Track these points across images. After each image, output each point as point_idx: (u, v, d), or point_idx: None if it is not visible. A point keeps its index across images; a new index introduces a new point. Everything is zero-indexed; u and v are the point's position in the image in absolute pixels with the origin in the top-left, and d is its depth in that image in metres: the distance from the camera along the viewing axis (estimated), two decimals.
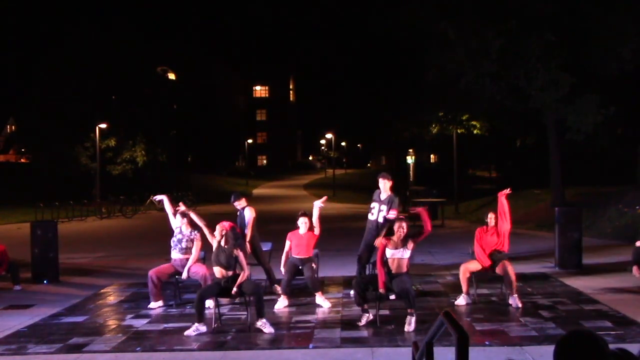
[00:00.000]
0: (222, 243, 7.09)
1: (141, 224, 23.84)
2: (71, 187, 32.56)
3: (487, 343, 6.13)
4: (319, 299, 8.05)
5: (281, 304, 8.00)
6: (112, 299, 9.10)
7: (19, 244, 13.35)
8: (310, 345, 6.27)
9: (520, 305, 7.54)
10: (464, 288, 7.86)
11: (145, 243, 16.61)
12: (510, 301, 7.63)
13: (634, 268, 8.32)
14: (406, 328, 6.63)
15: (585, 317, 7.08)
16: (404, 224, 7.16)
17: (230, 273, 7.00)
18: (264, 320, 6.78)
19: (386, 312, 7.46)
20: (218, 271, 7.04)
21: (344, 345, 6.26)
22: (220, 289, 6.97)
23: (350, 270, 9.63)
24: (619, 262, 10.48)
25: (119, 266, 12.41)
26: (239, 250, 7.14)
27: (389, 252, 7.11)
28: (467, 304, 7.81)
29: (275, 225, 17.12)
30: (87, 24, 37.86)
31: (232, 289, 6.88)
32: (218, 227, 7.19)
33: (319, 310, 7.83)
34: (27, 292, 9.65)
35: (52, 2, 40.14)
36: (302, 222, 8.21)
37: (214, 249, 7.18)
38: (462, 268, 7.91)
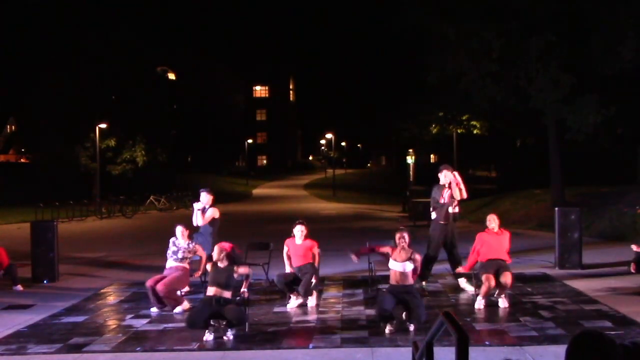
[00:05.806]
0: (220, 264, 6.77)
1: (141, 224, 23.83)
2: (71, 187, 32.52)
3: (487, 343, 6.14)
4: (309, 301, 8.06)
5: (294, 303, 7.99)
6: (112, 299, 9.10)
7: (19, 244, 13.36)
8: (310, 345, 6.28)
9: (507, 305, 7.57)
10: (483, 293, 7.69)
11: (145, 243, 16.59)
12: (500, 303, 7.63)
13: (632, 265, 8.35)
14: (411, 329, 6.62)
15: (585, 317, 7.08)
16: (405, 235, 6.95)
17: (227, 294, 6.64)
18: (231, 331, 6.57)
19: None
20: (212, 291, 6.62)
21: (344, 345, 6.26)
22: (210, 313, 6.52)
23: (350, 270, 9.59)
24: (619, 262, 10.48)
25: (119, 266, 12.41)
26: (238, 268, 6.83)
27: (391, 264, 6.90)
28: (485, 306, 7.72)
29: (276, 225, 17.17)
30: (87, 24, 37.83)
31: (223, 313, 6.47)
32: (216, 249, 6.92)
33: (318, 310, 7.84)
34: (27, 292, 9.65)
35: (52, 2, 40.06)
36: (299, 230, 8.05)
37: (209, 270, 6.89)
38: (486, 286, 7.62)
